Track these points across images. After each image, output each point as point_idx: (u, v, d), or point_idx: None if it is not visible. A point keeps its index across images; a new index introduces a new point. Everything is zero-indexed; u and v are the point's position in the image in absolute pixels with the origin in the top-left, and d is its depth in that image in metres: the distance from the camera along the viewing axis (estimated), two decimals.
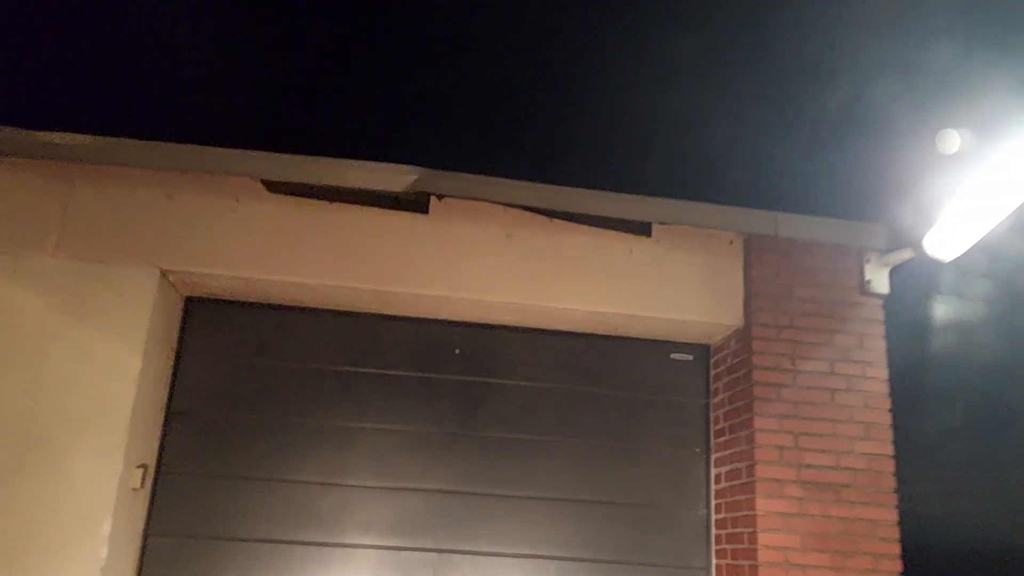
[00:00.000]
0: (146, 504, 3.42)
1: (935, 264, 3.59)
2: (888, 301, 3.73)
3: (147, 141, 3.27)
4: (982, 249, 3.51)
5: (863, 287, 3.74)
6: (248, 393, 3.70)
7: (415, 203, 3.66)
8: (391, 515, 3.66)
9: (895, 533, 3.46)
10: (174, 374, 3.63)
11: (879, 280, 3.74)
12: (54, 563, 3.01)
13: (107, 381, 3.23)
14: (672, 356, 4.06)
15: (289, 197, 3.57)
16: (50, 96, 3.35)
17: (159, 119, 3.43)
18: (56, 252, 3.34)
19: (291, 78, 3.76)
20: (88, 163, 3.31)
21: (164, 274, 3.43)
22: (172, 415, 3.57)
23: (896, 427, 3.54)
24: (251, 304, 3.77)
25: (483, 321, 3.93)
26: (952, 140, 3.31)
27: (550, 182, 3.57)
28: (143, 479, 3.32)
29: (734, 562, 3.62)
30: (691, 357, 4.08)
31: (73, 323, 3.26)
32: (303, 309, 3.82)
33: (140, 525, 3.38)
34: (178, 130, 3.31)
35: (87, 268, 3.34)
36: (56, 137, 3.15)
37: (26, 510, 3.04)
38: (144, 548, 3.40)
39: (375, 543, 3.62)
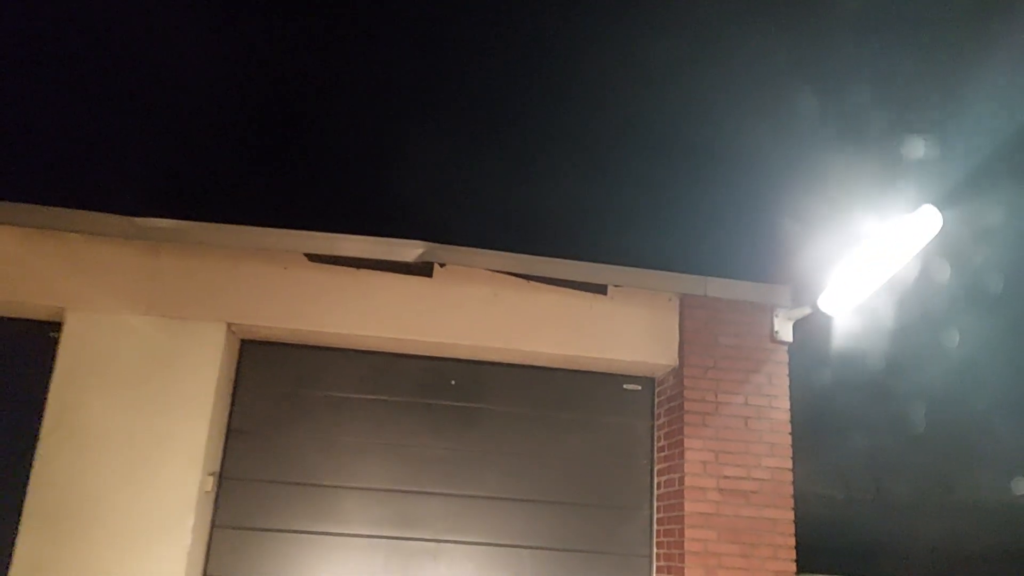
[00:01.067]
0: (213, 503, 4.42)
1: (828, 318, 4.62)
2: (792, 347, 4.76)
3: (216, 224, 4.28)
4: (863, 307, 4.53)
5: (772, 336, 4.76)
6: (289, 416, 4.70)
7: (422, 269, 4.68)
8: (398, 512, 4.67)
9: (791, 529, 4.48)
10: (232, 400, 4.64)
11: (785, 331, 4.76)
12: (154, 548, 4.02)
13: (188, 409, 4.24)
14: (624, 386, 5.08)
15: (325, 265, 4.58)
16: (144, 188, 4.35)
17: (224, 204, 4.42)
18: (148, 311, 4.35)
19: (332, 177, 4.77)
20: (172, 241, 4.32)
21: (229, 326, 4.45)
22: (232, 433, 4.58)
23: (794, 446, 4.56)
24: (292, 345, 4.77)
25: (474, 359, 4.93)
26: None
27: (527, 253, 4.59)
28: (213, 484, 4.33)
29: (669, 551, 4.64)
30: (640, 387, 5.10)
31: (162, 365, 4.27)
32: (333, 349, 4.82)
33: (209, 519, 4.38)
34: (238, 213, 4.32)
35: (171, 323, 4.35)
36: (151, 222, 4.16)
37: (132, 507, 4.05)
38: (211, 537, 4.40)
39: (386, 534, 4.62)
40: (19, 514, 3.98)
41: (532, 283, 4.76)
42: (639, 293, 4.84)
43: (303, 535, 4.52)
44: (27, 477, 4.03)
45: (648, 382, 5.10)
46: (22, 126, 4.25)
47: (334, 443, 4.70)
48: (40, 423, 4.12)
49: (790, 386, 4.68)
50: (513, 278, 4.73)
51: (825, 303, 4.51)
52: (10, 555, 3.93)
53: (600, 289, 4.81)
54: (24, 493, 4.01)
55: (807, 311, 4.67)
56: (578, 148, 5.20)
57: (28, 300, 4.27)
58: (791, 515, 4.50)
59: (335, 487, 4.63)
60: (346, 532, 4.57)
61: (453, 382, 4.94)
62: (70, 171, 4.29)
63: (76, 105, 4.69)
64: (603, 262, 4.63)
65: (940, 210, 3.91)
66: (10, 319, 4.38)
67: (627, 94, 5.55)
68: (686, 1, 5.13)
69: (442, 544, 4.66)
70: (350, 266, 4.61)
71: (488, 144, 4.98)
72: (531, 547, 4.72)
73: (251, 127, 4.64)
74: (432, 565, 4.60)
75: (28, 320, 4.37)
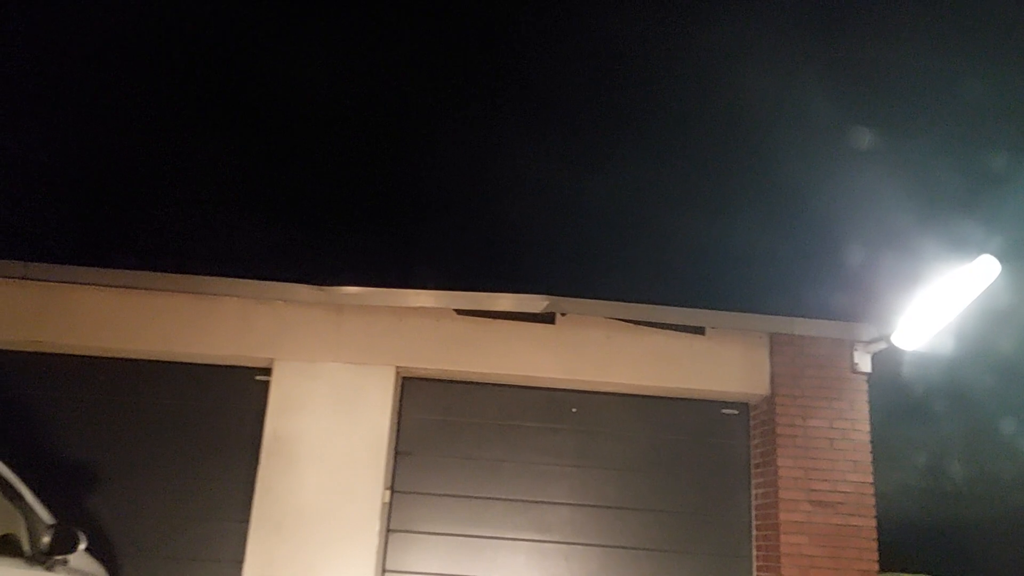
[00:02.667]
0: (388, 512, 5.50)
1: (902, 351, 5.31)
2: (871, 377, 5.47)
3: (386, 288, 5.38)
4: (936, 341, 5.21)
5: (852, 367, 5.48)
6: (441, 439, 5.73)
7: (546, 318, 5.64)
8: (534, 519, 5.62)
9: (874, 535, 5.18)
10: (397, 427, 5.70)
11: (864, 362, 5.47)
12: (350, 548, 5.12)
13: (369, 436, 5.34)
14: (722, 411, 5.89)
15: (468, 317, 5.61)
16: (326, 261, 5.49)
17: (387, 270, 5.52)
18: (334, 359, 5.48)
19: (468, 240, 5.82)
20: (352, 303, 5.44)
21: (396, 368, 5.54)
22: (398, 455, 5.65)
23: (874, 464, 5.27)
24: (442, 381, 5.81)
25: (591, 390, 5.85)
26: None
27: (636, 301, 5.49)
28: (389, 496, 5.41)
29: (767, 553, 5.42)
30: (736, 412, 5.90)
31: (347, 401, 5.39)
32: (475, 384, 5.83)
33: (385, 525, 5.46)
34: (400, 277, 5.40)
35: (352, 368, 5.46)
36: (338, 290, 5.29)
37: (332, 515, 5.16)
38: (387, 539, 5.47)
39: (525, 537, 5.58)
40: (248, 520, 5.16)
41: (640, 326, 5.65)
42: (733, 332, 5.66)
43: (459, 537, 5.53)
44: (252, 490, 5.21)
45: (743, 407, 5.89)
46: (239, 219, 5.47)
47: (479, 461, 5.71)
48: (260, 447, 5.30)
49: (869, 412, 5.39)
50: (623, 323, 5.64)
51: (899, 338, 5.21)
52: (243, 553, 5.11)
53: (699, 330, 5.65)
54: (251, 503, 5.18)
55: (883, 345, 5.37)
56: (675, 201, 6.06)
57: (246, 353, 5.47)
58: (873, 522, 5.21)
59: (482, 498, 5.63)
60: (493, 535, 5.55)
61: (574, 410, 5.86)
62: (272, 249, 5.47)
63: (295, 196, 5.86)
64: (701, 307, 5.49)
65: (1003, 259, 4.57)
66: (232, 367, 5.59)
67: (724, 147, 6.35)
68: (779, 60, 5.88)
69: (572, 546, 5.58)
70: (488, 317, 5.62)
71: (599, 205, 5.92)
72: (647, 549, 5.58)
73: (407, 205, 5.71)
74: (564, 564, 5.54)
75: (246, 368, 5.58)
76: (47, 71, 5.34)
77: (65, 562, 3.78)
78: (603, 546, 5.59)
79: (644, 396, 5.86)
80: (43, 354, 5.48)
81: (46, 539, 3.61)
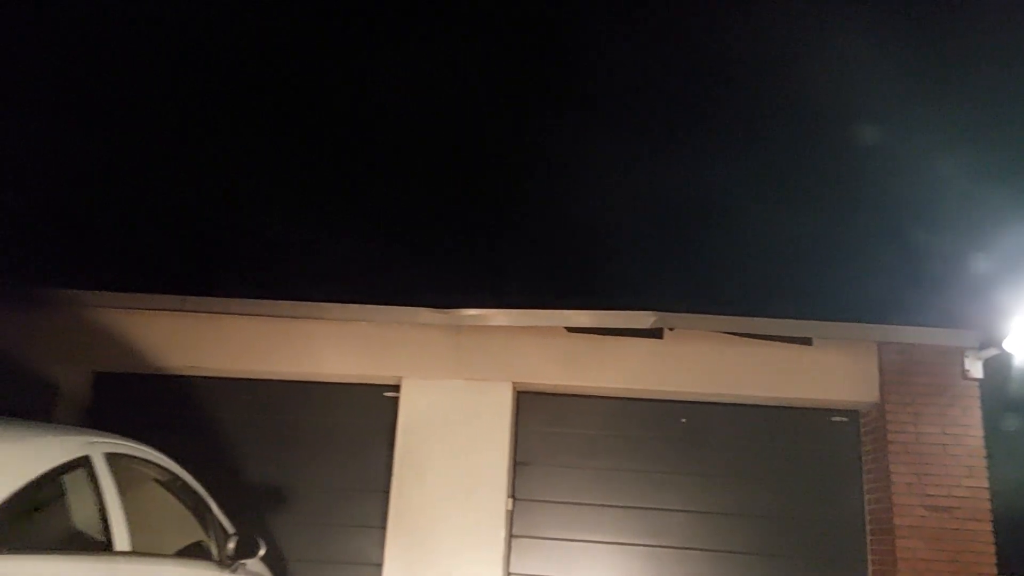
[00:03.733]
0: (510, 518, 5.87)
1: (1014, 356, 5.33)
2: (982, 383, 5.49)
3: (501, 309, 5.75)
4: None
5: (964, 374, 5.52)
6: (556, 449, 6.06)
7: (654, 333, 5.90)
8: (648, 525, 5.87)
9: (991, 539, 5.22)
10: (515, 439, 6.07)
11: (975, 369, 5.50)
12: (478, 552, 5.51)
13: (490, 448, 5.73)
14: (832, 419, 6.01)
15: (579, 334, 5.92)
16: (444, 285, 5.92)
17: (502, 291, 5.91)
18: (455, 376, 5.90)
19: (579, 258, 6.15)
20: (472, 324, 5.84)
21: (513, 384, 5.91)
22: (517, 464, 6.02)
23: (989, 468, 5.30)
24: (556, 394, 6.15)
25: (700, 400, 6.07)
26: None
27: (743, 314, 5.68)
28: (511, 504, 5.78)
29: (882, 558, 5.52)
30: (846, 419, 6.00)
31: (469, 415, 5.79)
32: (586, 396, 6.14)
33: (509, 531, 5.83)
34: (514, 298, 5.77)
35: (472, 384, 5.87)
36: (460, 312, 5.70)
37: (460, 522, 5.57)
38: (510, 544, 5.84)
39: (640, 543, 5.84)
40: (385, 527, 5.62)
41: (747, 339, 5.83)
42: (841, 341, 5.78)
43: (577, 543, 5.85)
44: (388, 498, 5.67)
45: (853, 415, 5.99)
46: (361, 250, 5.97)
47: (593, 470, 6.01)
48: (392, 458, 5.76)
49: (982, 417, 5.42)
50: (731, 336, 5.84)
51: (1011, 344, 5.24)
52: (382, 556, 5.57)
53: (806, 341, 5.80)
54: (387, 510, 5.64)
55: (995, 351, 5.39)
56: (780, 213, 6.22)
57: (376, 372, 5.96)
58: (990, 527, 5.25)
59: (598, 505, 5.93)
60: (610, 540, 5.85)
61: (683, 420, 6.10)
62: (397, 278, 5.94)
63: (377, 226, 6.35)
64: (809, 319, 5.64)
65: None
66: (363, 385, 6.08)
67: (831, 159, 6.47)
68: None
69: (685, 551, 5.81)
70: (598, 333, 5.92)
71: (705, 221, 6.15)
72: (760, 554, 5.76)
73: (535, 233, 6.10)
74: (679, 569, 5.78)
75: (376, 385, 6.06)
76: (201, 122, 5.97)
77: (244, 565, 4.29)
78: (716, 551, 5.80)
79: (752, 406, 6.04)
80: (200, 377, 6.10)
81: (231, 545, 4.12)
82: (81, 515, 3.16)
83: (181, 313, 5.95)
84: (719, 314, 5.67)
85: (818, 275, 5.97)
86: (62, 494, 3.08)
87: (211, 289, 5.80)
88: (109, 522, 3.23)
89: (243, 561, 4.22)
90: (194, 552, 4.03)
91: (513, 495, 5.87)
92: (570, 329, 5.91)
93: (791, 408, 6.01)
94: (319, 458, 5.95)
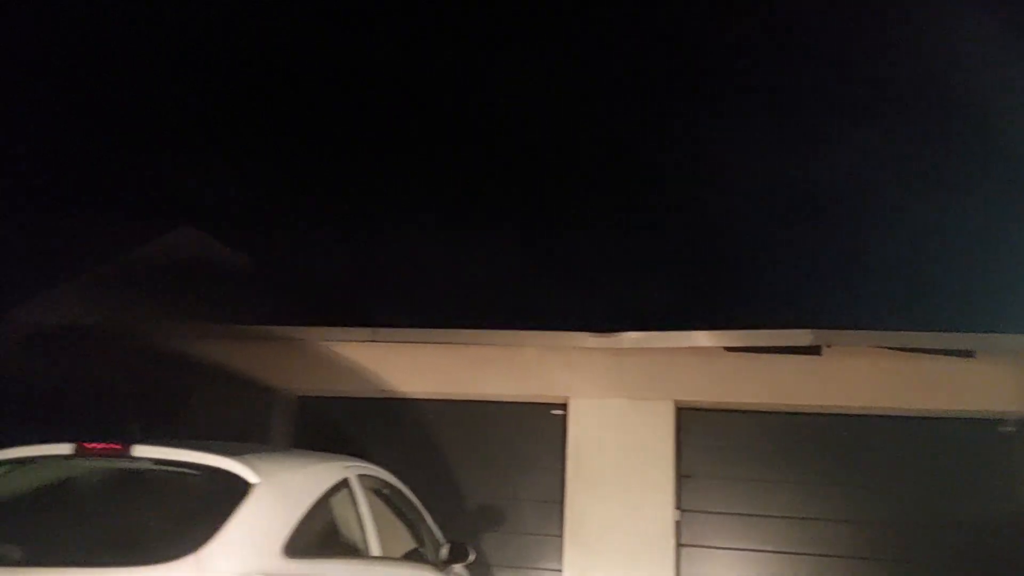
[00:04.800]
0: (677, 528, 6.24)
1: None
2: None
3: (660, 332, 6.15)
4: None
5: None
6: (719, 463, 6.37)
7: (812, 349, 6.12)
8: (815, 534, 6.07)
9: None
10: (678, 453, 6.43)
11: None
12: (651, 559, 5.93)
13: (656, 461, 6.13)
14: (999, 429, 6.01)
15: (738, 353, 6.23)
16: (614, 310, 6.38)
17: (664, 314, 6.31)
18: (618, 395, 6.34)
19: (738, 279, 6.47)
20: (633, 347, 6.26)
21: (675, 402, 6.29)
22: (681, 477, 6.38)
23: None
24: (716, 411, 6.46)
25: (859, 414, 6.22)
26: None
27: (904, 329, 5.82)
28: (678, 515, 6.16)
29: None
30: (1014, 429, 5.99)
31: (633, 432, 6.22)
32: (746, 411, 6.42)
33: (677, 540, 6.19)
34: (677, 319, 6.15)
35: (635, 403, 6.29)
36: (623, 336, 6.14)
37: (632, 531, 6.01)
38: (679, 553, 6.21)
39: (807, 551, 6.05)
40: (562, 535, 6.13)
41: (905, 353, 5.95)
42: (1004, 352, 5.80)
43: (744, 552, 6.15)
44: (563, 508, 6.18)
45: (1021, 424, 5.98)
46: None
47: (755, 482, 6.28)
48: (565, 471, 6.27)
49: None
50: (889, 351, 5.98)
51: None
52: (561, 563, 6.08)
53: (968, 353, 5.86)
54: (563, 520, 6.15)
55: None
56: (938, 226, 6.30)
57: (544, 392, 6.49)
58: None
59: (761, 515, 6.20)
60: (776, 550, 6.11)
61: (844, 433, 6.27)
62: (561, 304, 6.45)
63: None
64: (970, 331, 5.71)
65: None
66: (532, 404, 6.63)
67: (991, 167, 6.46)
68: None
69: (853, 560, 5.99)
70: (756, 352, 6.21)
71: (858, 237, 6.32)
72: (925, 562, 5.86)
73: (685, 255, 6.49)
74: None
75: (544, 404, 6.59)
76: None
77: (453, 569, 4.90)
78: (879, 560, 5.94)
79: (913, 418, 6.13)
80: (389, 399, 6.83)
81: (444, 551, 4.73)
82: (346, 526, 3.83)
83: (371, 343, 6.71)
84: (879, 329, 5.85)
85: (978, 285, 6.02)
86: (333, 510, 3.75)
87: (398, 321, 6.52)
88: (366, 531, 3.89)
89: (454, 565, 4.83)
90: (414, 557, 4.67)
91: (679, 506, 6.24)
92: (728, 348, 6.23)
93: (953, 419, 6.06)
94: (498, 471, 6.54)
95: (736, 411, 6.42)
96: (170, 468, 3.22)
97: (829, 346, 6.07)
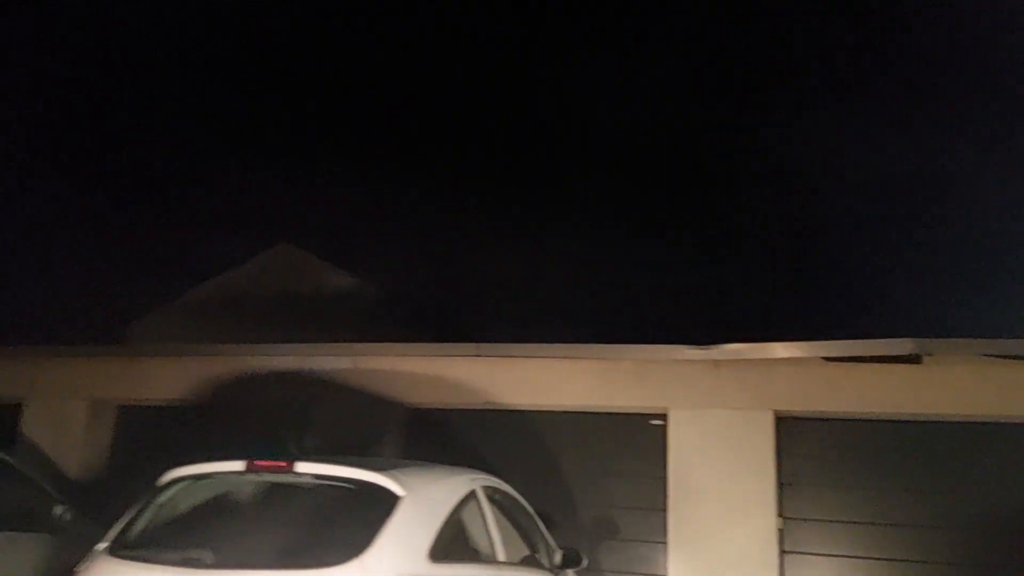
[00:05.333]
0: (780, 535, 6.35)
1: None
2: None
3: (760, 343, 6.30)
4: None
5: None
6: (819, 471, 6.45)
7: (912, 358, 6.15)
8: (917, 541, 6.09)
9: None
10: (778, 462, 6.54)
11: None
12: (755, 566, 6.08)
13: (757, 470, 6.27)
14: None
15: (836, 363, 6.31)
16: (710, 322, 6.58)
17: (757, 325, 6.46)
18: (717, 406, 6.51)
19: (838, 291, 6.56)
20: (729, 359, 6.43)
21: (774, 412, 6.42)
22: (782, 486, 6.49)
23: None
24: (815, 419, 6.54)
25: (962, 420, 6.18)
26: None
27: (1008, 337, 5.80)
28: (781, 523, 6.29)
29: None
30: None
31: (734, 441, 6.38)
32: (845, 420, 6.46)
33: (781, 547, 6.31)
34: (770, 330, 6.28)
35: (735, 413, 6.45)
36: (721, 348, 6.31)
37: (734, 538, 6.17)
38: (783, 560, 6.32)
39: (912, 558, 6.07)
40: (666, 541, 6.35)
41: (1008, 361, 5.92)
42: None
43: (847, 558, 6.22)
44: (666, 516, 6.40)
45: None
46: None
47: (856, 489, 6.33)
48: (666, 480, 6.48)
49: None
50: (990, 359, 5.96)
51: None
52: (666, 568, 6.31)
53: None
54: (666, 527, 6.37)
55: None
56: None
57: (644, 403, 6.73)
58: None
59: (864, 523, 6.26)
60: (878, 556, 6.15)
61: (948, 440, 6.26)
62: (659, 317, 6.68)
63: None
64: None
65: None
66: (631, 414, 6.87)
67: None
68: None
69: (953, 567, 5.98)
70: (855, 361, 6.28)
71: (960, 244, 6.32)
72: None
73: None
74: None
75: (643, 415, 6.82)
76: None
77: (566, 574, 5.21)
78: (988, 568, 5.92)
79: (1018, 424, 6.07)
80: (493, 411, 7.19)
81: (558, 557, 5.04)
82: (475, 534, 4.18)
83: (476, 358, 7.09)
84: (981, 337, 5.85)
85: None
86: (464, 519, 4.11)
87: (502, 337, 6.88)
88: (492, 538, 4.24)
89: (567, 570, 5.13)
90: (531, 562, 4.99)
91: (782, 514, 6.36)
92: (827, 359, 6.32)
93: None
94: (600, 479, 6.80)
95: (836, 419, 6.50)
96: (328, 482, 3.64)
97: (930, 354, 6.09)
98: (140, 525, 3.63)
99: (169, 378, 8.19)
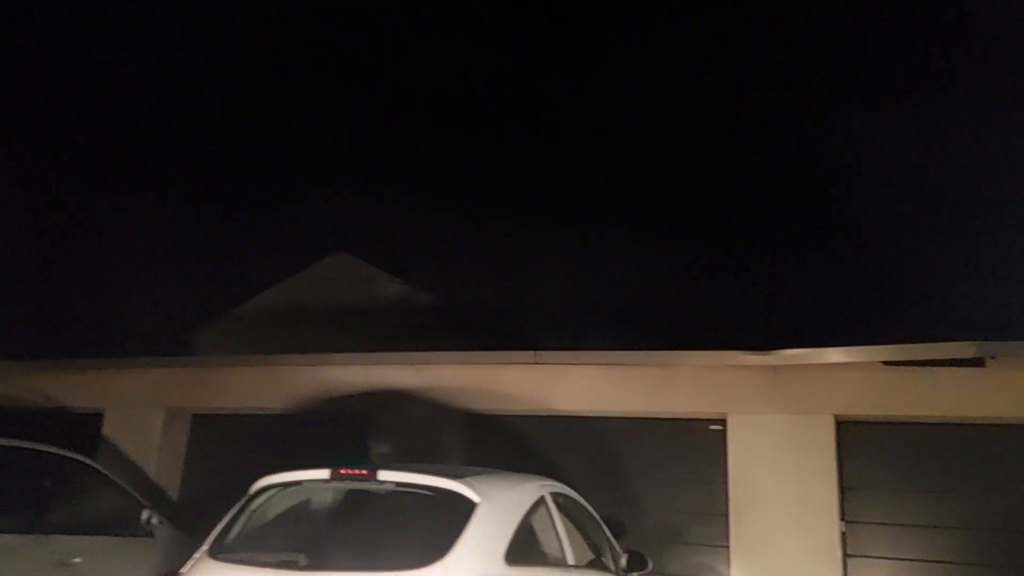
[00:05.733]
0: (843, 540, 6.37)
1: None
2: None
3: (817, 349, 6.33)
4: None
5: None
6: (876, 474, 6.44)
7: (974, 361, 6.11)
8: (986, 546, 6.06)
9: None
10: (840, 465, 6.54)
11: None
12: (818, 570, 6.12)
13: (819, 474, 6.30)
14: None
15: (897, 367, 6.30)
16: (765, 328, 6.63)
17: (819, 330, 6.49)
18: (776, 411, 6.55)
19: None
20: (789, 364, 6.47)
21: (834, 416, 6.44)
22: (844, 490, 6.50)
23: None
24: (876, 423, 6.52)
25: (1017, 423, 6.11)
26: None
27: None
28: (843, 526, 6.31)
29: None
30: None
31: (795, 446, 6.42)
32: (907, 423, 6.45)
33: (844, 551, 6.33)
34: (827, 335, 6.31)
35: (794, 417, 6.49)
36: (778, 353, 6.36)
37: (800, 541, 6.22)
38: (846, 563, 6.34)
39: (982, 562, 6.05)
40: (728, 545, 6.43)
41: None
42: None
43: (911, 562, 6.20)
44: (727, 520, 6.47)
45: None
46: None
47: (920, 493, 6.30)
48: (727, 484, 6.55)
49: None
50: None
51: None
52: (729, 571, 6.38)
53: None
54: (728, 530, 6.45)
55: None
56: None
57: (701, 409, 6.81)
58: None
59: (928, 526, 6.23)
60: (946, 560, 6.12)
61: (1012, 444, 6.20)
62: (717, 324, 6.76)
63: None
64: None
65: None
66: (690, 420, 6.96)
67: None
68: None
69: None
70: (916, 365, 6.27)
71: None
72: None
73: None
74: None
75: (703, 420, 6.90)
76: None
77: None
78: None
79: None
80: (550, 416, 7.34)
81: (623, 561, 5.17)
82: (546, 538, 4.35)
83: (534, 365, 7.26)
84: None
85: None
86: (534, 524, 4.28)
87: (558, 344, 7.04)
88: (561, 542, 4.39)
89: (632, 574, 5.26)
90: (597, 565, 5.13)
91: (844, 518, 6.38)
92: (886, 363, 6.32)
93: None
94: (660, 484, 6.90)
95: (898, 423, 6.49)
96: (407, 489, 3.84)
97: (994, 357, 6.06)
98: (236, 530, 3.88)
99: (237, 387, 8.54)
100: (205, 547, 3.81)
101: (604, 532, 5.30)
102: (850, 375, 6.43)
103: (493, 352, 7.42)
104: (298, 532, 3.94)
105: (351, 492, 4.04)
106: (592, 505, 5.41)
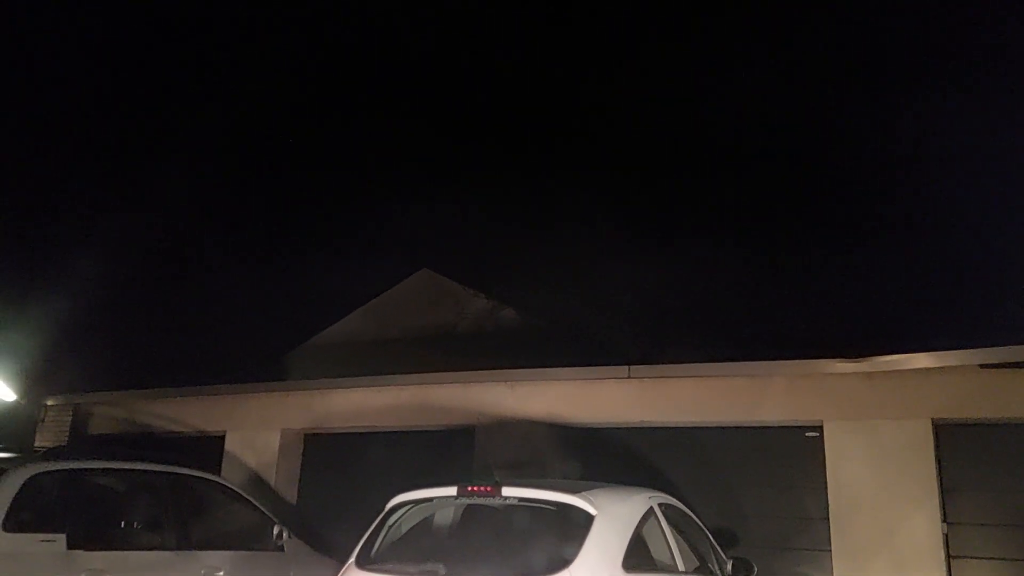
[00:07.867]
0: (946, 541, 6.40)
1: None
2: None
3: (897, 356, 6.40)
4: None
5: None
6: (976, 475, 6.40)
7: None
8: None
9: None
10: (939, 466, 6.56)
11: None
12: (921, 571, 6.19)
13: (918, 477, 6.37)
14: None
15: (994, 369, 6.31)
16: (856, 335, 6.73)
17: (903, 337, 6.55)
18: (874, 416, 6.64)
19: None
20: (887, 368, 6.56)
21: (932, 420, 6.47)
22: (945, 491, 6.52)
23: None
24: (975, 425, 6.51)
25: None
26: None
27: None
28: (945, 528, 6.34)
29: None
30: None
31: (893, 450, 6.49)
32: (1003, 424, 6.44)
33: (947, 552, 6.37)
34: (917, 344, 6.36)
35: (891, 422, 6.55)
36: (880, 359, 6.47)
37: (902, 544, 6.29)
38: (950, 564, 6.37)
39: None
40: (830, 549, 6.55)
41: None
42: None
43: (1017, 562, 6.20)
44: (828, 524, 6.59)
45: None
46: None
47: (1013, 492, 6.25)
48: (826, 490, 6.67)
49: None
50: None
51: None
52: (832, 574, 6.51)
53: None
54: (829, 535, 6.57)
55: None
56: None
57: (796, 416, 6.95)
58: None
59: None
60: None
61: None
62: (811, 332, 6.88)
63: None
64: None
65: None
66: (785, 427, 7.09)
67: None
68: None
69: None
70: (1013, 367, 6.25)
71: None
72: None
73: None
74: None
75: (798, 427, 7.03)
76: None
77: None
78: None
79: None
80: (648, 428, 7.58)
81: (728, 567, 5.40)
82: (657, 546, 4.63)
83: (628, 380, 7.53)
84: None
85: None
86: (646, 533, 4.57)
87: (652, 358, 7.29)
88: (672, 550, 4.67)
89: None
90: (704, 571, 5.37)
91: (946, 519, 6.41)
92: (983, 366, 6.34)
93: None
94: (761, 491, 7.06)
95: (997, 424, 6.49)
96: (529, 504, 4.19)
97: None
98: (378, 543, 4.31)
99: (343, 408, 9.11)
100: (352, 559, 4.25)
101: (709, 540, 5.54)
102: (946, 378, 6.47)
103: (586, 368, 7.73)
104: (432, 544, 4.34)
105: (475, 507, 4.42)
106: (696, 515, 5.65)
